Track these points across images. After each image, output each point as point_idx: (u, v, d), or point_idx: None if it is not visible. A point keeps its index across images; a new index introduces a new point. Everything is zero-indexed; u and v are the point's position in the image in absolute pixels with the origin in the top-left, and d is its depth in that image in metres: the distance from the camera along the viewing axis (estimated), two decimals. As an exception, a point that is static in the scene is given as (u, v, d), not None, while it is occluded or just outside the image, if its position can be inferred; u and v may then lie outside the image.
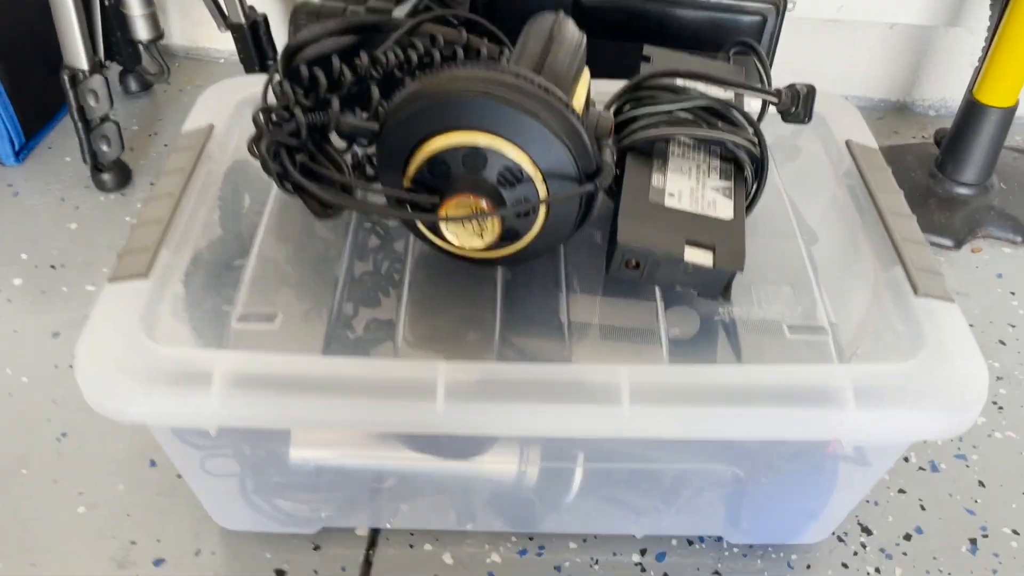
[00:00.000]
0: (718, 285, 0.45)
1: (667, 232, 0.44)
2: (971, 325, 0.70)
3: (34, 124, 0.85)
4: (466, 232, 0.43)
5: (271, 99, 0.48)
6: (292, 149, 0.45)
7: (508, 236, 0.44)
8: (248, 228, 0.52)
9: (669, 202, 0.46)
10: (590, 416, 0.41)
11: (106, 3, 0.82)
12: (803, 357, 0.45)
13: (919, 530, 0.57)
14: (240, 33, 0.85)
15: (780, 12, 0.71)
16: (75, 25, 0.72)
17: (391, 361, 0.43)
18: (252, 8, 0.85)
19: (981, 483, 0.60)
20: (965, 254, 0.78)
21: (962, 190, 0.80)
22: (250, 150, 0.46)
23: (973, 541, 0.56)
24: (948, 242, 0.78)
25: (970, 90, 0.77)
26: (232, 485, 0.52)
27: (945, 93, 0.96)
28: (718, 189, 0.47)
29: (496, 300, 0.48)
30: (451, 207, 0.41)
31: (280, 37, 0.93)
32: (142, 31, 0.84)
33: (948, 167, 0.80)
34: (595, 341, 0.47)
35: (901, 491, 0.59)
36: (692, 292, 0.46)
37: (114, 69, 0.92)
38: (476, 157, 0.41)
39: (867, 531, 0.57)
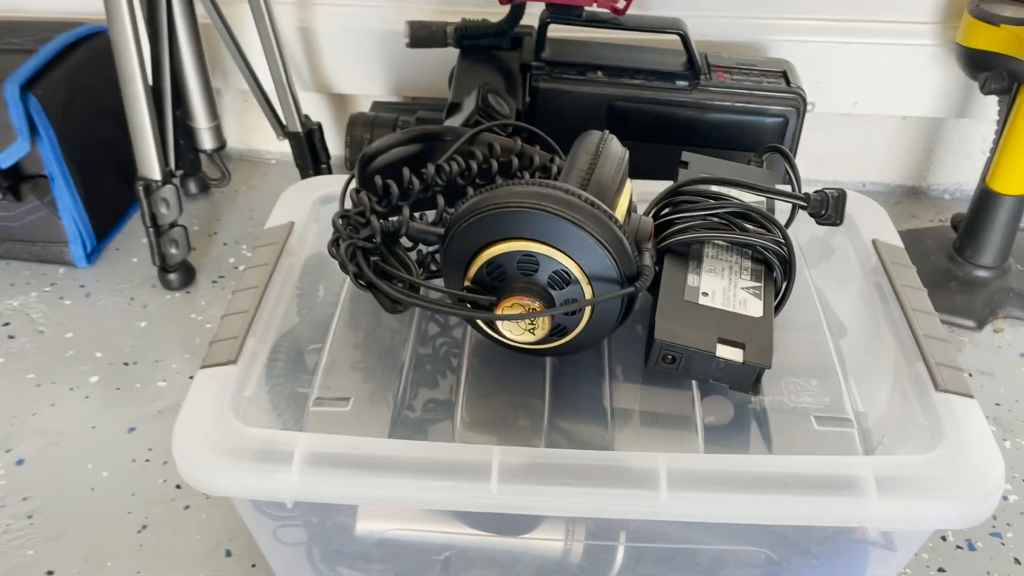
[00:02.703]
0: (748, 380, 0.49)
1: (701, 329, 0.49)
2: (997, 404, 0.73)
3: (104, 228, 0.91)
4: (520, 328, 0.48)
5: (347, 204, 0.54)
6: (367, 251, 0.51)
7: (557, 332, 0.49)
8: (323, 317, 0.58)
9: (703, 300, 0.51)
10: (630, 499, 0.45)
11: (176, 113, 0.90)
12: (829, 447, 0.49)
13: (959, 608, 0.59)
14: (297, 141, 0.92)
15: (800, 114, 0.76)
16: (151, 139, 0.79)
17: (449, 445, 0.48)
18: (307, 117, 0.92)
19: (1017, 560, 0.62)
20: (988, 335, 0.81)
21: (981, 273, 0.83)
22: (330, 251, 0.52)
23: (1010, 620, 0.58)
24: (971, 323, 0.81)
25: (983, 179, 0.80)
26: (301, 553, 0.57)
27: (959, 177, 1.00)
28: (748, 289, 0.52)
29: (545, 387, 0.52)
30: (506, 307, 0.46)
31: (332, 142, 1.00)
32: (207, 142, 0.91)
33: (966, 251, 0.83)
34: (635, 427, 0.51)
35: (940, 570, 0.61)
36: (726, 387, 0.50)
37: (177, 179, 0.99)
38: (529, 262, 0.47)
39: (909, 610, 0.59)
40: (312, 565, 0.58)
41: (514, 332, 0.48)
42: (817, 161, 0.97)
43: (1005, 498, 0.67)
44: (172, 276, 0.85)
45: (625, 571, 0.55)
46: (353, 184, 0.56)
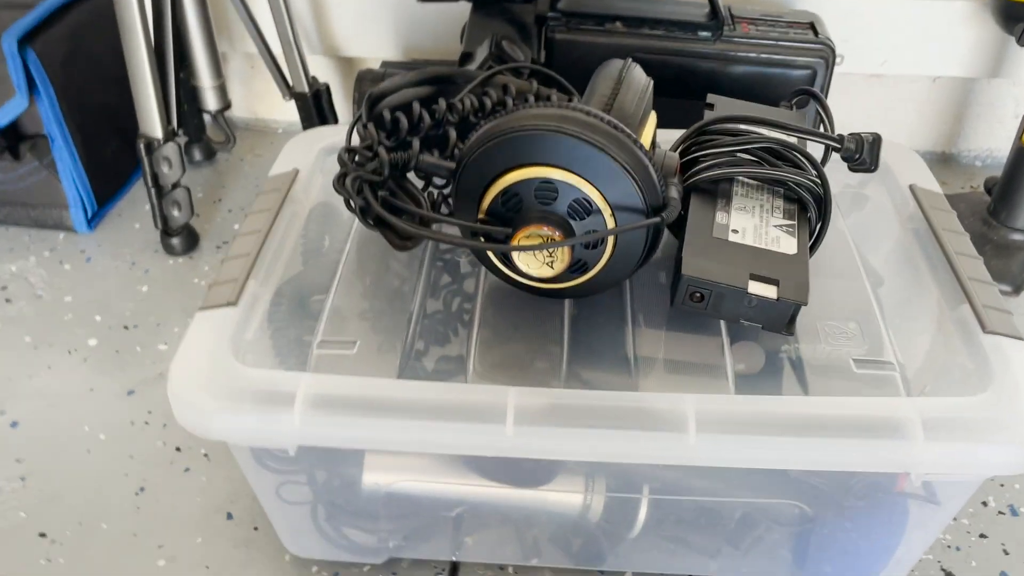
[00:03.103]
0: (782, 319, 0.45)
1: (731, 265, 0.45)
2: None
3: (106, 193, 0.89)
4: (537, 262, 0.45)
5: (355, 142, 0.51)
6: (375, 185, 0.48)
7: (577, 268, 0.46)
8: (329, 264, 0.55)
9: (733, 238, 0.47)
10: (656, 443, 0.42)
11: (180, 76, 0.87)
12: (870, 391, 0.46)
13: (1004, 574, 0.56)
14: (304, 102, 0.89)
15: (829, 65, 0.73)
16: (152, 96, 0.76)
17: (462, 385, 0.45)
18: (315, 78, 0.90)
19: (1061, 528, 0.58)
20: (1024, 299, 0.77)
21: (1017, 236, 0.79)
22: (335, 187, 0.49)
23: (1057, 587, 0.55)
24: (1007, 287, 0.77)
25: (1019, 138, 0.77)
26: (305, 513, 0.54)
27: (991, 143, 0.96)
28: (781, 227, 0.49)
29: (563, 333, 0.49)
30: (522, 237, 0.43)
31: (341, 106, 0.97)
32: (211, 102, 0.88)
33: (1001, 214, 0.80)
34: (660, 375, 0.48)
35: (983, 536, 0.58)
36: (757, 327, 0.47)
37: (180, 140, 0.96)
38: (547, 190, 0.44)
39: (950, 576, 0.56)
40: (317, 525, 0.55)
41: (531, 266, 0.45)
42: (842, 126, 0.92)
43: (1048, 464, 0.63)
44: (175, 240, 0.83)
45: (648, 532, 0.52)
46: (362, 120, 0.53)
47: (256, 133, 1.05)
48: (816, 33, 0.74)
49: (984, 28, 0.86)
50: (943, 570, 0.56)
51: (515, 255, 0.45)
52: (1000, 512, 0.60)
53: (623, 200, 0.44)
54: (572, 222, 0.44)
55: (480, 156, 0.44)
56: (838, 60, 0.74)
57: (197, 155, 0.97)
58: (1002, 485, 0.61)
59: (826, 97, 0.76)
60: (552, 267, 0.45)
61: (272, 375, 0.45)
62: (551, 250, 0.44)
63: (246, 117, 1.05)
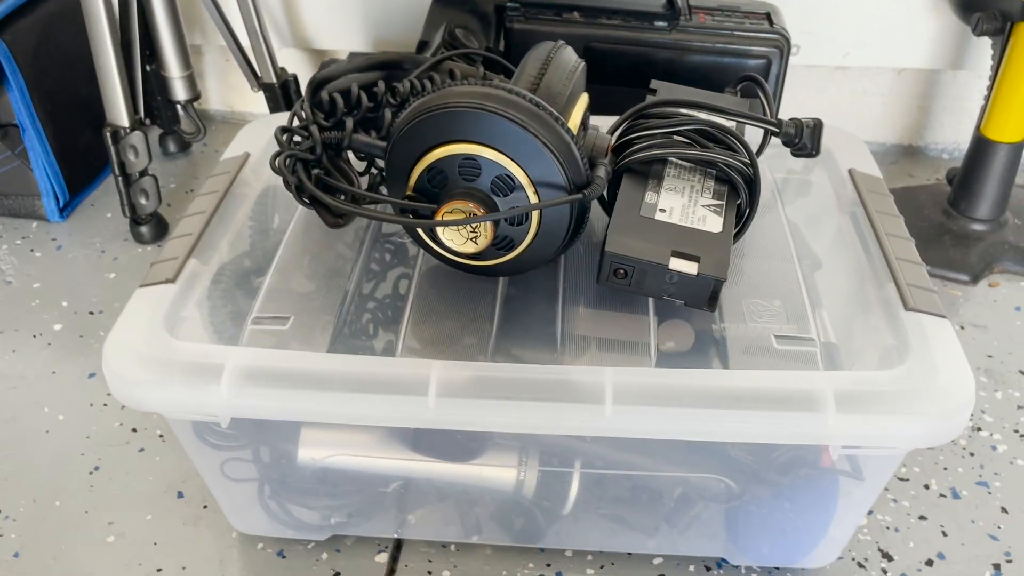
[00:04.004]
0: (704, 295, 0.46)
1: (654, 243, 0.46)
2: (989, 356, 0.70)
3: (78, 183, 0.90)
4: (461, 237, 0.45)
5: (296, 124, 0.52)
6: (309, 164, 0.49)
7: (503, 245, 0.47)
8: (272, 246, 0.56)
9: (659, 216, 0.48)
10: (574, 414, 0.43)
11: (147, 68, 0.88)
12: (790, 367, 0.46)
13: (941, 556, 0.56)
14: (272, 92, 0.90)
15: (784, 55, 0.73)
16: (117, 85, 0.77)
17: (387, 359, 0.46)
18: (283, 69, 0.91)
19: (1004, 509, 0.59)
20: (983, 289, 0.77)
21: (976, 226, 0.80)
22: (272, 166, 0.50)
23: (997, 567, 0.55)
24: (965, 277, 0.77)
25: (978, 127, 0.77)
26: (250, 490, 0.55)
27: (957, 136, 0.96)
28: (709, 207, 0.49)
29: (495, 311, 0.50)
30: (446, 212, 0.44)
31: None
32: (180, 92, 0.89)
33: (961, 204, 0.80)
34: (586, 351, 0.48)
35: (922, 517, 0.59)
36: (681, 303, 0.47)
37: (154, 132, 0.97)
38: (470, 166, 0.44)
39: (888, 557, 0.56)
40: (262, 503, 0.56)
41: (456, 241, 0.46)
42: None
43: (994, 448, 0.63)
44: (143, 229, 0.84)
45: (584, 509, 0.52)
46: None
47: (231, 125, 1.06)
48: (771, 23, 0.75)
49: (945, 20, 0.87)
50: (880, 550, 0.57)
51: (440, 231, 0.45)
52: (941, 495, 0.60)
53: (545, 177, 0.44)
54: (496, 198, 0.45)
55: (407, 133, 0.45)
56: (793, 51, 0.75)
57: (171, 147, 0.98)
58: (945, 469, 0.62)
59: (782, 86, 0.76)
60: (476, 243, 0.45)
61: (203, 348, 0.46)
62: (475, 226, 0.45)
63: (221, 110, 1.06)
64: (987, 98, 0.77)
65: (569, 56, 0.49)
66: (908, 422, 0.42)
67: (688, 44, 0.74)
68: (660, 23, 0.75)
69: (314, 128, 0.48)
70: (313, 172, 0.48)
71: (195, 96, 0.88)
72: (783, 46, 0.74)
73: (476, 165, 0.44)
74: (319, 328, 0.49)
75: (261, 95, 0.92)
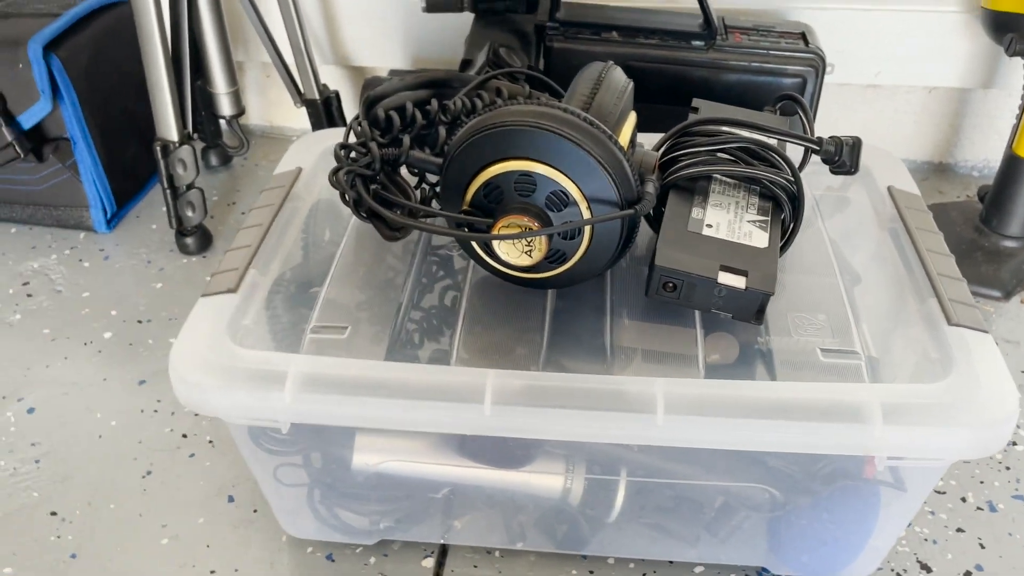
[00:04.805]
0: (751, 308, 0.47)
1: (702, 257, 0.48)
2: (1023, 371, 0.71)
3: (125, 195, 0.93)
4: (516, 251, 0.47)
5: (352, 140, 0.54)
6: (367, 179, 0.51)
7: (556, 258, 0.49)
8: (326, 258, 0.58)
9: (707, 231, 0.49)
10: (626, 423, 0.44)
11: (196, 83, 0.91)
12: (835, 379, 0.47)
13: (980, 567, 0.57)
14: (314, 108, 0.93)
15: (819, 74, 0.75)
16: (168, 100, 0.80)
17: (444, 367, 0.48)
18: (325, 85, 0.93)
19: (1040, 525, 0.60)
20: (1015, 305, 0.78)
21: (1008, 243, 0.81)
22: (331, 181, 0.52)
23: (1033, 581, 0.56)
24: (997, 293, 0.78)
25: (1010, 145, 0.78)
26: (301, 494, 0.56)
27: (988, 154, 0.97)
28: (755, 223, 0.51)
29: (544, 322, 0.52)
30: (502, 226, 0.46)
31: (350, 112, 1.01)
32: (226, 107, 0.92)
33: (993, 221, 0.81)
34: (635, 362, 0.50)
35: (960, 530, 0.59)
36: (728, 316, 0.49)
37: (196, 145, 1.00)
38: (526, 183, 0.46)
39: (927, 568, 0.57)
40: (312, 507, 0.57)
41: (511, 255, 0.47)
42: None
43: (1029, 463, 0.64)
44: (189, 240, 0.86)
45: (627, 517, 0.54)
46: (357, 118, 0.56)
47: (271, 140, 1.09)
48: (807, 43, 0.76)
49: (977, 39, 0.88)
50: (919, 562, 0.57)
51: (496, 245, 0.47)
52: (979, 508, 0.61)
53: (598, 193, 0.46)
54: (550, 213, 0.47)
55: (464, 151, 0.47)
56: (828, 69, 0.76)
57: (214, 160, 1.01)
58: (982, 482, 0.63)
59: (817, 104, 0.78)
60: (531, 256, 0.47)
61: (266, 356, 0.48)
62: (530, 240, 0.46)
63: (262, 125, 1.09)
64: (1019, 117, 0.78)
65: (619, 76, 0.51)
66: (954, 433, 0.43)
67: (725, 63, 0.76)
68: (697, 42, 0.76)
69: (373, 144, 0.50)
70: (372, 187, 0.50)
71: (240, 111, 0.90)
72: (819, 65, 0.75)
73: (532, 181, 0.46)
74: (375, 337, 0.51)
75: (301, 111, 0.94)
